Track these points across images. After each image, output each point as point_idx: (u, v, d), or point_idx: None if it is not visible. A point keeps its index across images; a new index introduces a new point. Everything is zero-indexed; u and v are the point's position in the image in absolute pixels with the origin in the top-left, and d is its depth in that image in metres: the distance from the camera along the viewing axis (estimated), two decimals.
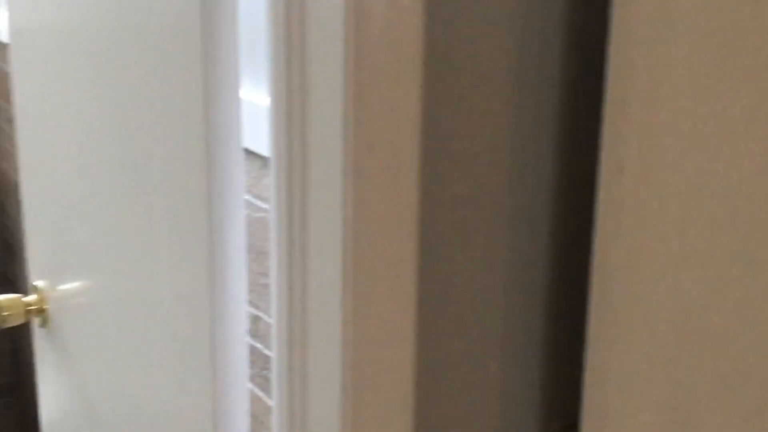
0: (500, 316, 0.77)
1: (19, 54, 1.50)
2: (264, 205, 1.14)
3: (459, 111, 0.70)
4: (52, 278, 1.49)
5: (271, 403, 0.79)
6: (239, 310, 0.92)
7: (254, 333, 1.20)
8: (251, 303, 1.18)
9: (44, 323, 1.53)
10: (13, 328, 1.61)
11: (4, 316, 1.48)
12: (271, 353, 0.78)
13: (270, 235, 0.76)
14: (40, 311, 1.52)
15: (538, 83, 0.73)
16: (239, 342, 0.93)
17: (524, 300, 0.77)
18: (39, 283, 1.54)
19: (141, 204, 1.08)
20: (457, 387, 0.77)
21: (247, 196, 1.15)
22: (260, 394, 1.19)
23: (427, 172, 0.70)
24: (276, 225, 0.75)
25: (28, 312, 1.52)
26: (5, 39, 1.76)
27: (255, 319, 1.20)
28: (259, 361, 1.19)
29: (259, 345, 1.19)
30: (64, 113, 1.31)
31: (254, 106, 1.05)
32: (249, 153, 1.15)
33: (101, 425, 1.38)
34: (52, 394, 1.61)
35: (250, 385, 1.20)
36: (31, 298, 1.53)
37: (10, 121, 2.00)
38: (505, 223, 0.75)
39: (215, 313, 0.91)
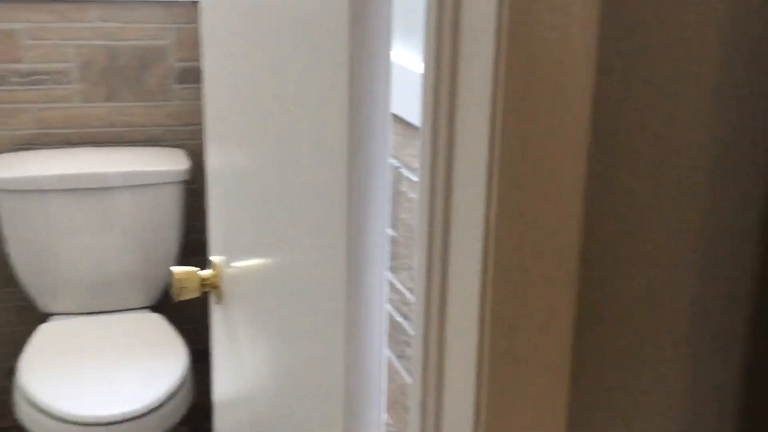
0: (684, 324, 0.69)
1: (207, 20, 1.52)
2: None
3: (645, 95, 0.63)
4: (228, 255, 1.50)
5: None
6: (379, 286, 0.89)
7: (408, 315, 1.18)
8: (406, 285, 1.16)
9: (218, 299, 1.55)
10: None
11: (179, 288, 1.50)
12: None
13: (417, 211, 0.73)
14: (214, 287, 1.54)
15: (749, 70, 0.64)
16: (377, 320, 0.90)
17: (713, 309, 0.68)
18: (215, 258, 1.56)
19: (289, 178, 1.06)
20: (616, 399, 0.70)
21: (408, 174, 1.12)
22: (409, 381, 1.16)
23: (597, 160, 0.63)
24: (420, 199, 0.73)
25: (203, 286, 1.54)
26: None
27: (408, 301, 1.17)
28: (411, 344, 1.16)
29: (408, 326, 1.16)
30: (238, 84, 1.32)
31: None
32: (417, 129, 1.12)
33: (252, 406, 1.39)
34: (222, 368, 1.63)
35: (402, 372, 1.18)
36: (207, 272, 1.55)
37: None
38: (693, 225, 0.66)
39: (351, 288, 0.88)
